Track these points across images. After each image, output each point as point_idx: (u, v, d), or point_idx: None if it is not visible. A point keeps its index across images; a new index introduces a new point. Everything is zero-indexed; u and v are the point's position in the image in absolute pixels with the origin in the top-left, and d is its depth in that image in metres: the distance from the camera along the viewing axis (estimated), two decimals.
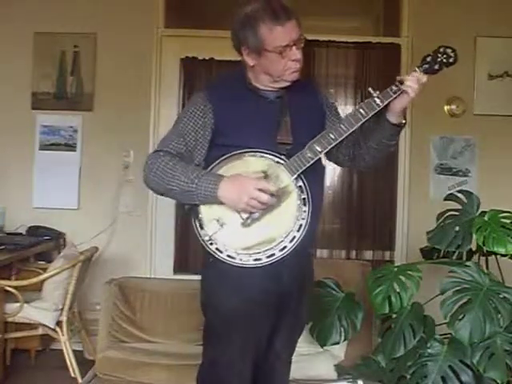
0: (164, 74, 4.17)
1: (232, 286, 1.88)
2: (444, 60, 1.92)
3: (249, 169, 1.84)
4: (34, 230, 4.03)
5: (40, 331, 3.48)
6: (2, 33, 4.17)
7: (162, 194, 1.91)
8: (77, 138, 4.20)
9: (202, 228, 1.87)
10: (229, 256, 1.85)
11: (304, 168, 1.85)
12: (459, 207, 2.82)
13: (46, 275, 3.44)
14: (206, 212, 1.86)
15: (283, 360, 2.09)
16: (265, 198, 1.78)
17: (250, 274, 1.85)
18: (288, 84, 1.92)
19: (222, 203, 1.82)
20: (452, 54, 1.92)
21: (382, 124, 1.94)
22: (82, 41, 4.18)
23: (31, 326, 3.47)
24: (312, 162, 1.86)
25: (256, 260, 1.84)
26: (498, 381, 2.39)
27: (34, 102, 4.20)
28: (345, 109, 3.99)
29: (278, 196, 1.82)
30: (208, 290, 1.97)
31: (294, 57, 1.86)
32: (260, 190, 1.78)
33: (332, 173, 4.23)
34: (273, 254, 1.84)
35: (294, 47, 1.85)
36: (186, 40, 4.15)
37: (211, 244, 1.86)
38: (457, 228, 2.73)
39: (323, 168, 2.05)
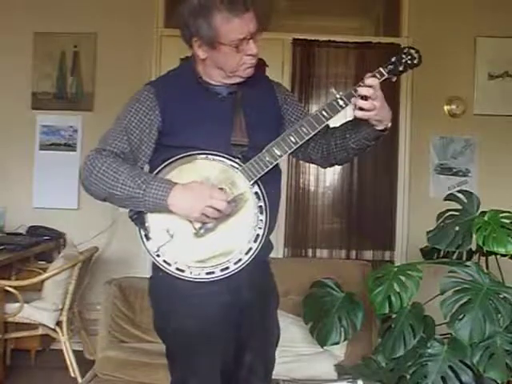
0: None
1: (189, 305, 1.74)
2: (408, 61, 1.84)
3: (201, 174, 1.68)
4: (34, 230, 4.03)
5: (40, 331, 3.48)
6: (1, 33, 4.18)
7: (103, 200, 1.72)
8: (77, 138, 4.21)
9: (148, 238, 1.70)
10: (178, 269, 1.69)
11: (262, 174, 1.71)
12: (459, 207, 2.82)
13: (46, 275, 3.44)
14: (154, 220, 1.69)
15: (260, 376, 1.92)
16: (222, 205, 1.63)
17: (207, 291, 1.71)
18: (241, 80, 1.78)
19: (171, 212, 1.65)
20: (416, 55, 1.85)
21: (367, 128, 1.79)
22: (82, 41, 4.18)
23: (31, 326, 3.47)
24: (271, 166, 1.72)
25: (208, 273, 1.69)
26: (498, 381, 2.40)
27: (34, 102, 4.21)
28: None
29: (234, 204, 1.68)
30: (163, 311, 1.82)
31: (250, 51, 1.70)
32: (215, 197, 1.63)
33: (332, 173, 4.24)
34: (227, 268, 1.69)
35: (250, 41, 1.69)
36: None
37: (158, 256, 1.69)
38: (457, 228, 2.73)
39: (279, 171, 1.88)
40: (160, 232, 1.69)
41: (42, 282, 3.45)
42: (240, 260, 1.70)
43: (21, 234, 4.02)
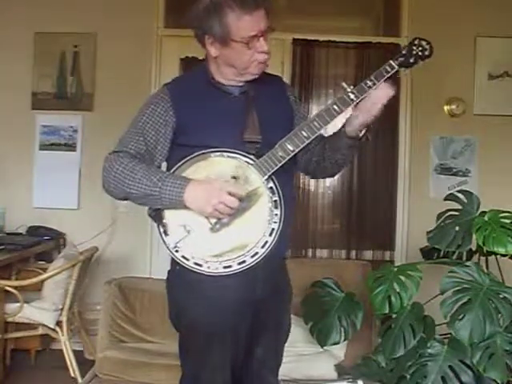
0: (164, 74, 4.16)
1: (204, 298, 1.78)
2: (419, 53, 1.84)
3: (216, 170, 1.72)
4: (33, 230, 4.03)
5: (40, 331, 3.48)
6: (2, 33, 4.17)
7: (122, 199, 1.80)
8: (77, 138, 4.21)
9: (166, 234, 1.75)
10: (196, 264, 1.73)
11: (275, 168, 1.74)
12: (459, 207, 2.83)
13: (46, 275, 3.44)
14: (171, 217, 1.74)
15: (270, 369, 1.98)
16: (234, 202, 1.67)
17: (223, 284, 1.75)
18: (253, 77, 1.81)
19: (187, 208, 1.70)
20: (427, 47, 1.85)
21: (340, 134, 1.83)
22: (81, 41, 4.18)
23: (31, 326, 3.46)
24: (284, 161, 1.74)
25: (226, 267, 1.72)
26: (498, 381, 2.40)
27: (34, 102, 4.20)
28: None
29: (248, 199, 1.71)
30: (179, 303, 1.87)
31: (261, 48, 1.74)
32: (229, 193, 1.67)
33: None
34: (244, 261, 1.72)
35: (261, 38, 1.74)
36: (185, 40, 4.08)
37: (177, 251, 1.75)
38: (457, 228, 2.73)
39: (294, 168, 1.94)
40: (177, 228, 1.74)
41: (42, 281, 3.45)
42: (256, 253, 1.73)
43: (21, 233, 4.02)
